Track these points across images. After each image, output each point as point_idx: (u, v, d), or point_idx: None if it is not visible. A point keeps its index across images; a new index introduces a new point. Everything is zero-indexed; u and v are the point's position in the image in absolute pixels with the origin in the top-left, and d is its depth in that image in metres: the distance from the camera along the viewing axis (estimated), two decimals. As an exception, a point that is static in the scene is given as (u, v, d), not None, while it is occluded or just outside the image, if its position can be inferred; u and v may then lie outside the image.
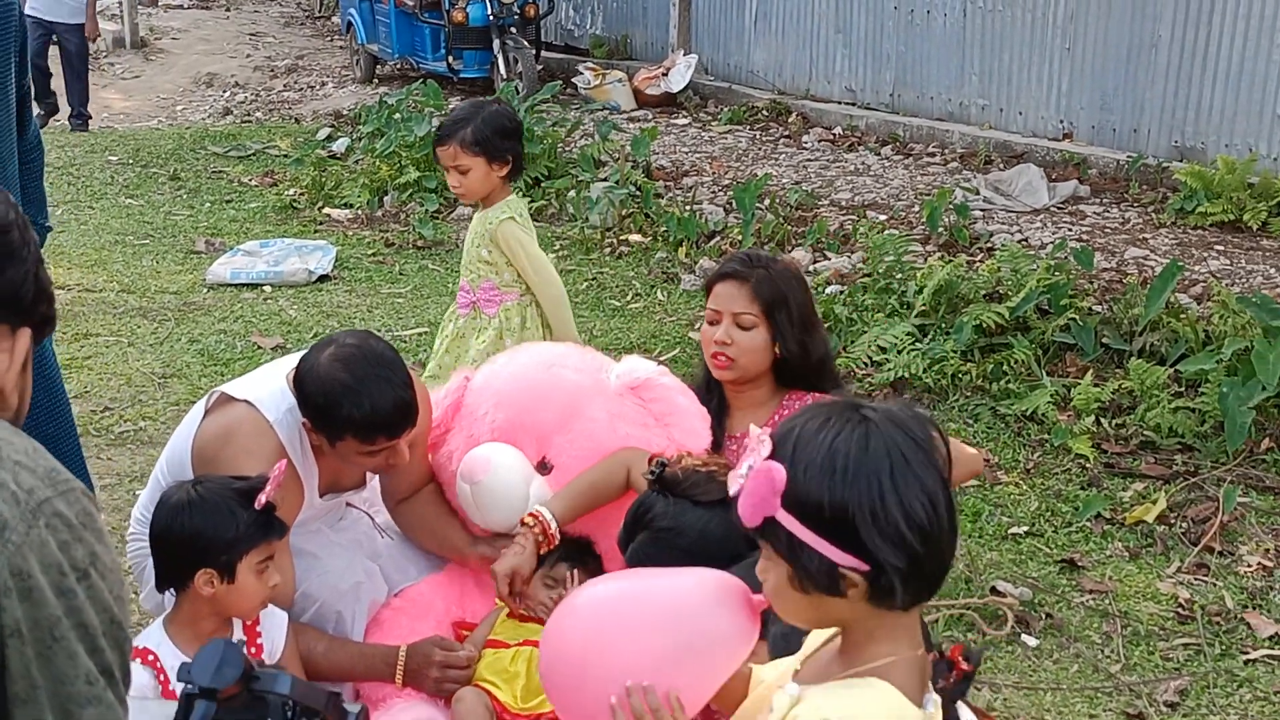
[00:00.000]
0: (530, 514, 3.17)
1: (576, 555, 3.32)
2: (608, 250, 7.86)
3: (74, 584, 1.50)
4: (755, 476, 1.72)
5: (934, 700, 1.79)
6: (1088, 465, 4.95)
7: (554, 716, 3.11)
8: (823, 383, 3.36)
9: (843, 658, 1.79)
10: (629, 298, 7.08)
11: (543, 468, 3.28)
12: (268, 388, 3.18)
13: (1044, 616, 4.00)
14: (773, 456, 1.72)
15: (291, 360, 3.21)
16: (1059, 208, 8.10)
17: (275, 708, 1.93)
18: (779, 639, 2.30)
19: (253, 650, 2.90)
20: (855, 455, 1.68)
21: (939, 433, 1.77)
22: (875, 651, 1.75)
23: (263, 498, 2.73)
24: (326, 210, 8.92)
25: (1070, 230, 7.54)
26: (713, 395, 3.41)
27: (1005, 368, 5.60)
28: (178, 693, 2.17)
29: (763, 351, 3.29)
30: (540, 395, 3.32)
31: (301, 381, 3.02)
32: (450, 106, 10.90)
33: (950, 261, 6.42)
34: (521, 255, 4.36)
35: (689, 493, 2.81)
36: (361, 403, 2.93)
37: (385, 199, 8.95)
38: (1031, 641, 3.88)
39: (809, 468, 1.69)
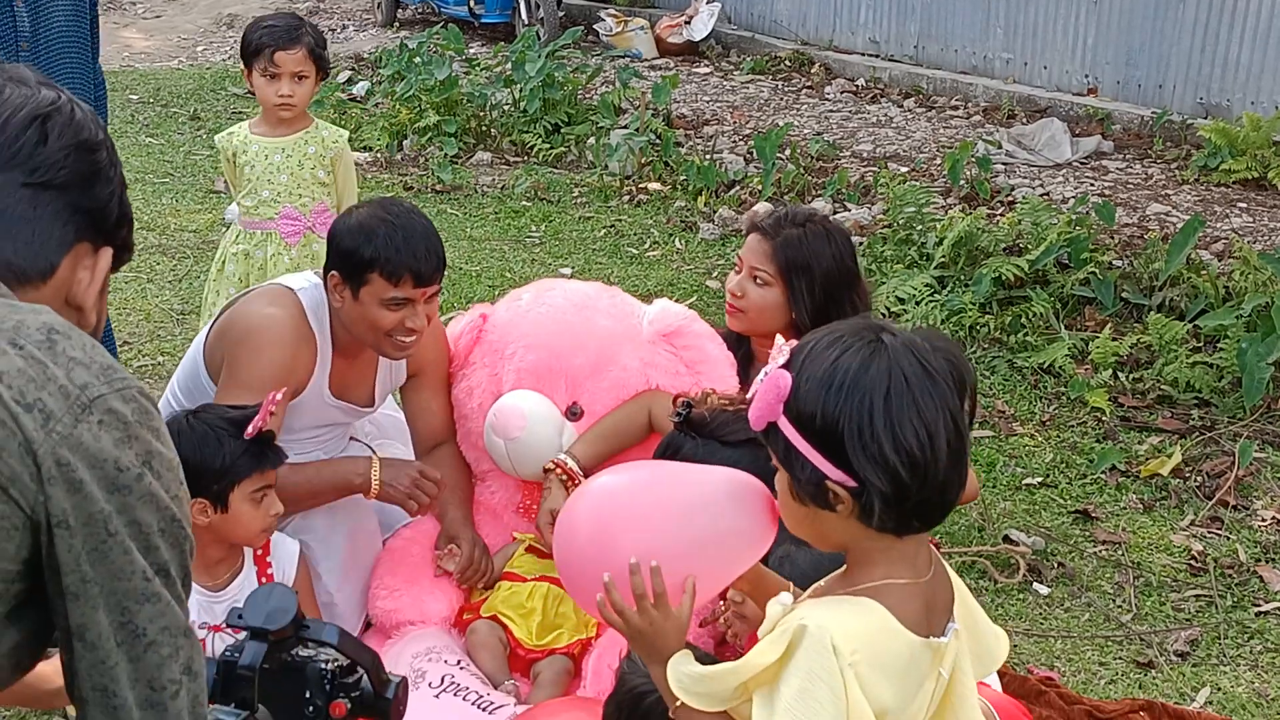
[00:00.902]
0: (553, 461, 3.18)
1: None
2: (626, 198, 7.84)
3: (129, 480, 1.50)
4: (766, 382, 1.77)
5: (955, 629, 1.80)
6: (1104, 418, 4.94)
7: (567, 650, 3.15)
8: None
9: (842, 579, 1.83)
10: (647, 245, 7.06)
11: (572, 413, 3.28)
12: (290, 275, 3.24)
13: (1056, 566, 4.01)
14: (786, 366, 1.76)
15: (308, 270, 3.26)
16: (1081, 163, 8.06)
17: (313, 677, 1.93)
18: (779, 562, 2.32)
19: (263, 580, 2.92)
20: (854, 372, 1.70)
21: (964, 372, 1.76)
22: (870, 574, 1.78)
23: (251, 428, 2.73)
24: (346, 153, 8.91)
25: (1092, 185, 7.51)
26: (741, 345, 3.42)
27: (1024, 320, 5.58)
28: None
29: (775, 310, 3.28)
30: (573, 340, 3.30)
31: (334, 232, 3.07)
32: (470, 51, 10.87)
33: (971, 214, 6.39)
34: (354, 176, 4.40)
35: (717, 433, 2.78)
36: (395, 235, 2.98)
37: (405, 142, 8.92)
38: (1043, 590, 3.89)
39: (810, 379, 1.73)
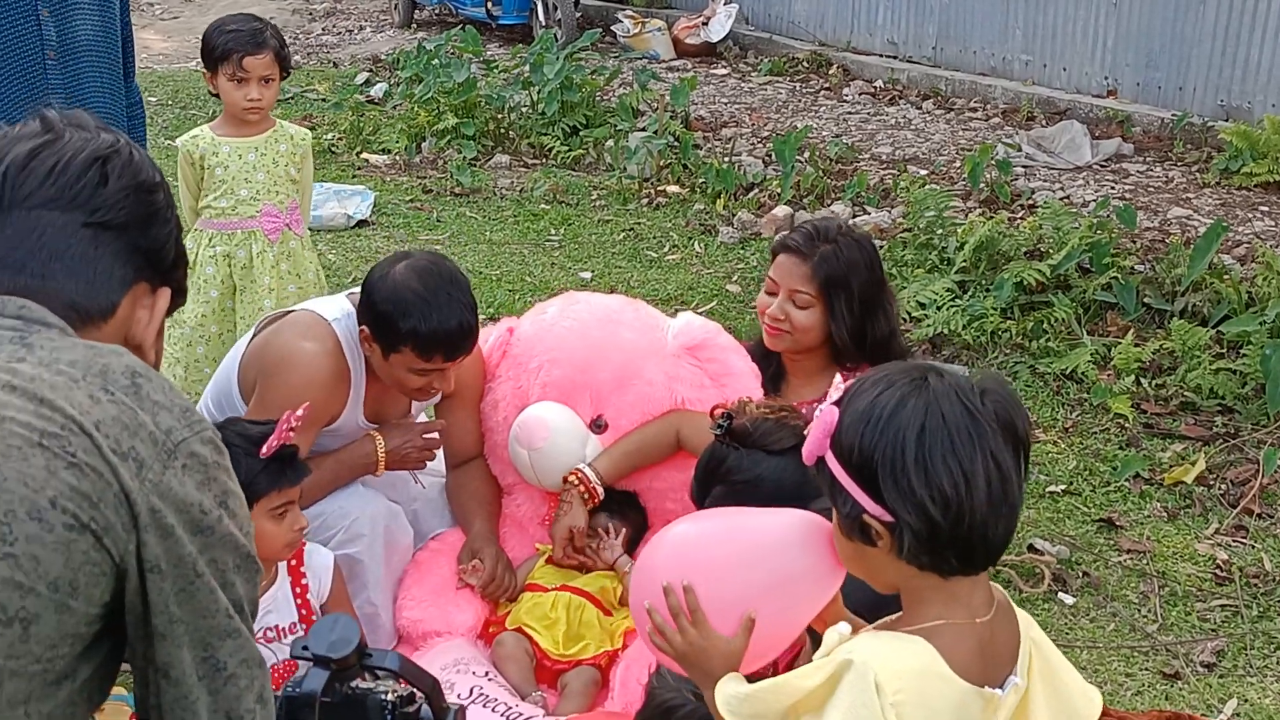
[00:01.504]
0: (574, 472, 3.18)
1: (618, 508, 3.34)
2: (645, 201, 7.84)
3: (211, 522, 1.55)
4: (818, 418, 1.81)
5: (1016, 685, 1.79)
6: (1127, 425, 4.93)
7: (594, 662, 3.16)
8: (886, 360, 3.32)
9: (900, 619, 1.83)
10: (666, 249, 7.06)
11: (596, 426, 3.28)
12: (324, 300, 3.23)
13: (1081, 575, 4.00)
14: (838, 403, 1.80)
15: (341, 295, 3.25)
16: (1101, 165, 8.03)
17: (374, 708, 1.94)
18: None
19: (297, 590, 2.93)
20: (891, 408, 1.74)
21: (1014, 417, 1.76)
22: (924, 613, 1.79)
23: (266, 448, 2.72)
24: (364, 155, 8.91)
25: (1113, 188, 7.48)
26: (770, 361, 3.40)
27: (1045, 326, 5.57)
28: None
29: (818, 329, 3.27)
30: (597, 354, 3.30)
31: (370, 288, 3.05)
32: (487, 53, 10.87)
33: (991, 218, 6.38)
34: (312, 173, 4.46)
35: (760, 443, 2.72)
36: (430, 316, 2.97)
37: (423, 145, 8.93)
38: (1068, 600, 3.88)
39: (852, 414, 1.77)
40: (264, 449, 2.72)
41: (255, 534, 2.69)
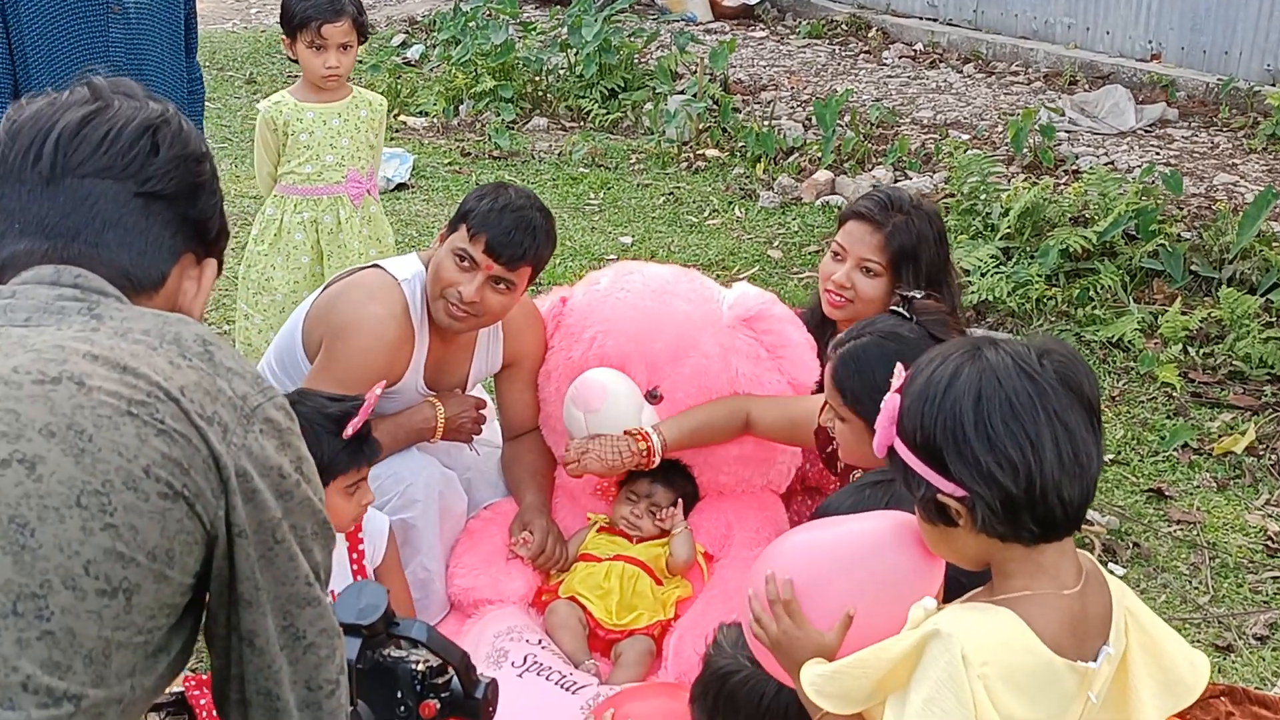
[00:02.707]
0: (641, 433, 3.16)
1: (665, 476, 3.33)
2: (684, 165, 7.79)
3: (290, 486, 1.55)
4: (884, 407, 1.79)
5: (1109, 655, 1.77)
6: (1174, 394, 4.89)
7: (647, 631, 3.16)
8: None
9: (987, 590, 1.82)
10: (706, 214, 7.02)
11: (652, 396, 3.27)
12: (398, 260, 3.25)
13: (1131, 546, 3.97)
14: (900, 390, 1.79)
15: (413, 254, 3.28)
16: (1146, 130, 7.95)
17: (404, 678, 1.94)
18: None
19: (354, 556, 2.93)
20: (945, 381, 1.73)
21: (1080, 377, 1.75)
22: (1010, 585, 1.77)
23: (350, 429, 2.71)
24: (402, 118, 8.88)
25: (1157, 154, 7.41)
26: (825, 331, 3.36)
27: (1091, 293, 5.53)
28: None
29: (882, 300, 3.22)
30: (652, 325, 3.28)
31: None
32: (525, 15, 10.81)
33: (1036, 184, 6.32)
34: (383, 140, 4.50)
35: (932, 328, 2.66)
36: (497, 205, 3.09)
37: (461, 108, 8.90)
38: (1119, 571, 3.85)
39: (911, 396, 1.76)
40: (348, 430, 2.70)
41: (327, 510, 2.72)
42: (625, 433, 3.17)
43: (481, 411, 3.36)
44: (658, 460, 3.18)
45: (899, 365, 1.88)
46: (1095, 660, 1.77)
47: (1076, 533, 1.80)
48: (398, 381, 3.15)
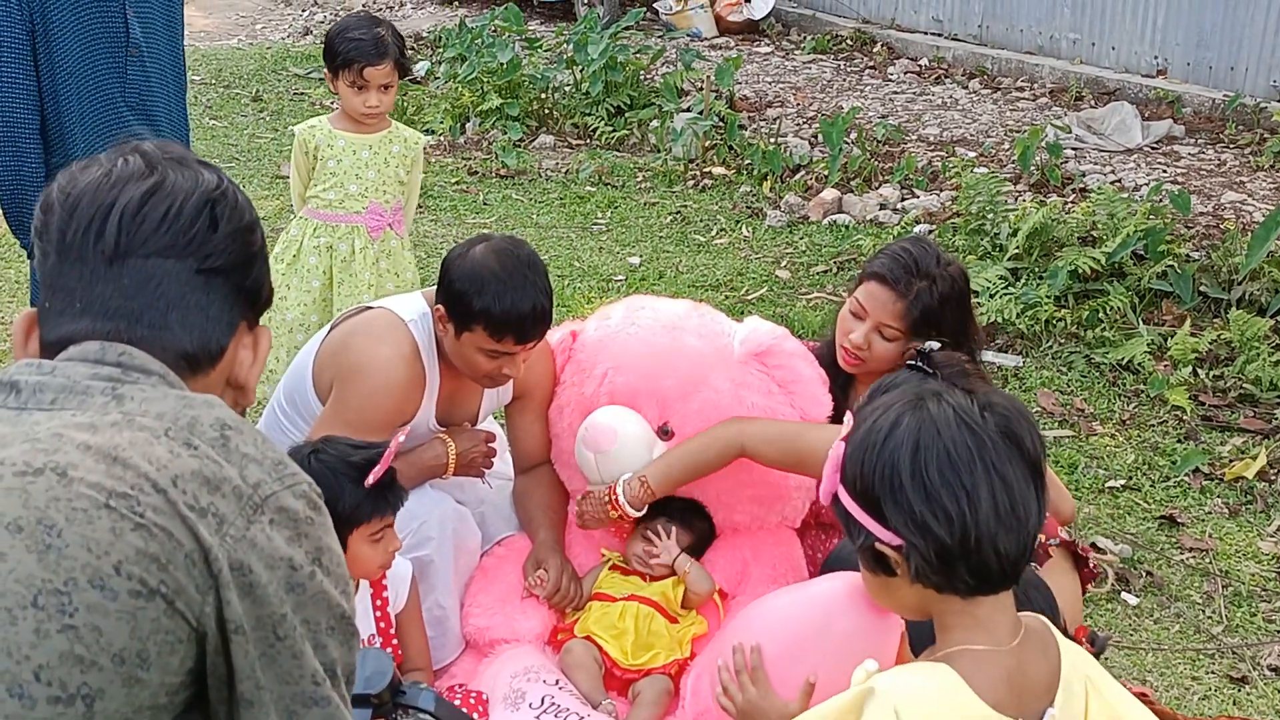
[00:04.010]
0: (609, 488, 3.18)
1: (680, 515, 3.33)
2: (690, 183, 7.80)
3: (303, 579, 1.49)
4: (830, 455, 1.83)
5: (1052, 714, 1.77)
6: (1184, 417, 4.88)
7: (664, 670, 3.15)
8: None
9: (932, 648, 1.83)
10: (714, 233, 7.02)
11: (663, 433, 3.27)
12: (401, 299, 3.24)
13: (1144, 574, 3.97)
14: (845, 438, 1.82)
15: (416, 293, 3.26)
16: (1152, 148, 7.96)
17: None
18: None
19: (377, 603, 2.93)
20: (885, 430, 1.75)
21: (1019, 432, 1.75)
22: (949, 639, 1.78)
23: (373, 477, 2.70)
24: (408, 136, 8.89)
25: (1165, 172, 7.41)
26: (838, 368, 3.35)
27: (1101, 314, 5.52)
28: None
29: (896, 358, 3.19)
30: (663, 362, 3.28)
31: (448, 267, 3.07)
32: (529, 31, 10.82)
33: (1044, 204, 6.32)
34: (419, 178, 4.51)
35: (951, 377, 2.61)
36: (505, 296, 2.98)
37: (467, 125, 8.91)
38: (1132, 600, 3.85)
39: (853, 444, 1.79)
40: (370, 478, 2.69)
41: (350, 558, 2.71)
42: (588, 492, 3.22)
43: (491, 445, 3.35)
44: (631, 512, 3.17)
45: (847, 414, 1.90)
46: None
47: (1014, 585, 1.80)
48: (408, 423, 3.15)
